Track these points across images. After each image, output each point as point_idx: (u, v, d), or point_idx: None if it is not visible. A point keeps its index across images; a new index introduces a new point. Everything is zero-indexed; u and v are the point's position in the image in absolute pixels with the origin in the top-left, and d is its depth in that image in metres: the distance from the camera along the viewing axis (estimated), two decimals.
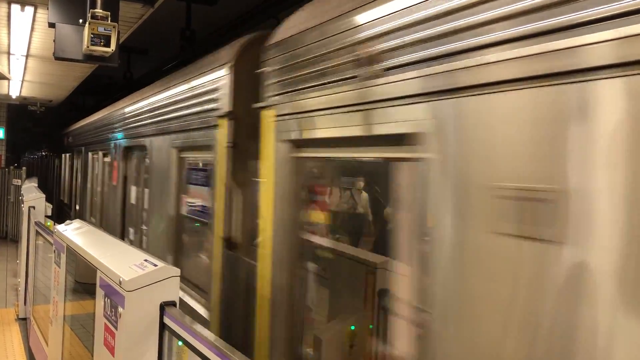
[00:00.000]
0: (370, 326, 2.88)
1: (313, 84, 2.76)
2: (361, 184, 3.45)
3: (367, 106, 2.32)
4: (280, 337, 3.08)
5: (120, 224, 7.51)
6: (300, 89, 2.88)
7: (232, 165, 3.84)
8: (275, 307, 3.10)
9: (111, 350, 2.89)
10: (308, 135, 2.83)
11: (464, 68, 1.79)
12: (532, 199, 1.54)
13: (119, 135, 7.71)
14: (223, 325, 3.88)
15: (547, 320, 1.51)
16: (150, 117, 5.95)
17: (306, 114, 2.82)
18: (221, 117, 3.96)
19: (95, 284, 3.31)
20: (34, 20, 7.36)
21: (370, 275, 2.87)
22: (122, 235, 7.44)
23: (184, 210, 5.17)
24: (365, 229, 3.42)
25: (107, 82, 15.82)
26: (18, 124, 20.14)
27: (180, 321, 2.63)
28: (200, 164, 4.94)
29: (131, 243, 6.68)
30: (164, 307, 2.75)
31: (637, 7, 1.31)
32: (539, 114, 1.54)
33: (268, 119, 3.23)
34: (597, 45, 1.40)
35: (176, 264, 4.84)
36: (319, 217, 3.33)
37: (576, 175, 1.44)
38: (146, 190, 6.34)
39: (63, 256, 4.57)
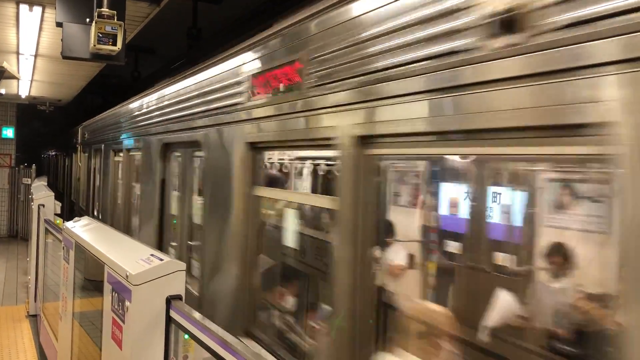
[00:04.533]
0: None
1: None
2: None
3: None
4: None
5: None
6: None
7: None
8: None
9: (119, 343, 2.93)
10: None
11: None
12: None
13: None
14: None
15: None
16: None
17: None
18: None
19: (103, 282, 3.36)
20: (42, 20, 7.42)
21: None
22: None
23: None
24: None
25: (115, 82, 15.92)
26: (27, 123, 20.31)
27: (186, 314, 2.67)
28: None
29: None
30: (170, 300, 2.79)
31: None
32: None
33: None
34: None
35: None
36: None
37: None
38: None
39: (72, 253, 4.63)
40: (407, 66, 2.16)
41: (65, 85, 13.63)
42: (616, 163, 1.46)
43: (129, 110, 7.91)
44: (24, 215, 15.37)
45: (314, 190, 5.88)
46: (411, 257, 4.65)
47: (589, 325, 3.19)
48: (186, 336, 2.73)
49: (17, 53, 9.65)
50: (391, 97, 2.24)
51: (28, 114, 19.29)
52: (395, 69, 2.22)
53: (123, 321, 2.90)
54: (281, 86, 3.11)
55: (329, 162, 5.34)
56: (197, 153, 4.87)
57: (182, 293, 2.86)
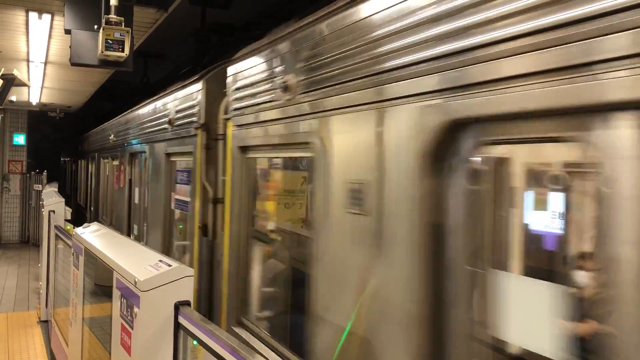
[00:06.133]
0: None
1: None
2: None
3: None
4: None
5: None
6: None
7: None
8: None
9: (127, 349, 2.92)
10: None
11: None
12: None
13: None
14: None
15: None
16: None
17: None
18: None
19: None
20: (51, 27, 7.47)
21: None
22: None
23: None
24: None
25: (124, 87, 15.99)
26: (38, 130, 20.44)
27: (195, 321, 2.66)
28: None
29: None
30: (178, 306, 2.78)
31: None
32: None
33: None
34: None
35: None
36: None
37: None
38: None
39: (81, 258, 4.64)
40: None
41: (75, 92, 13.72)
42: None
43: None
44: (35, 221, 15.49)
45: None
46: None
47: None
48: (195, 342, 2.72)
49: (28, 60, 9.73)
50: None
51: (39, 120, 19.43)
52: None
53: (132, 327, 2.89)
54: None
55: None
56: None
57: (191, 299, 2.85)
